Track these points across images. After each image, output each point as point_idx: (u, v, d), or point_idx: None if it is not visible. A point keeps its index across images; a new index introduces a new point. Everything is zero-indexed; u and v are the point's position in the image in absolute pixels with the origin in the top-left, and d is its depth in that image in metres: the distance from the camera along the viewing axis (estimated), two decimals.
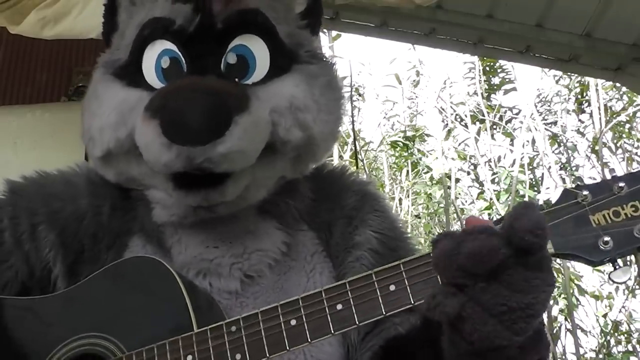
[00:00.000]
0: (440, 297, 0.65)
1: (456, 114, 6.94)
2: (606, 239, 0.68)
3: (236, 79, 0.91)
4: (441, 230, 6.84)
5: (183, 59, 0.90)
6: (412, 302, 0.71)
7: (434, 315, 0.66)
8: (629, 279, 0.67)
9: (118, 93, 0.90)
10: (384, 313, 0.72)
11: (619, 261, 0.70)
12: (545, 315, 5.21)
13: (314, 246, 0.97)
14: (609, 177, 0.72)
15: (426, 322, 0.81)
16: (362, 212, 0.99)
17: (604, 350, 5.70)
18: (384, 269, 0.74)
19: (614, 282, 0.75)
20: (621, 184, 0.70)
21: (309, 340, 0.72)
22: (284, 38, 0.95)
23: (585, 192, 0.71)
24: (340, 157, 6.27)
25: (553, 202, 0.74)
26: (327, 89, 0.96)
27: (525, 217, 0.62)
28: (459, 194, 7.07)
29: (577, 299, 5.66)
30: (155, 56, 0.91)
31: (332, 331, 0.72)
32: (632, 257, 0.74)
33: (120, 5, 0.99)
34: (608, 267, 0.72)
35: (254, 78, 0.92)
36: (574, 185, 0.73)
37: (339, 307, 0.73)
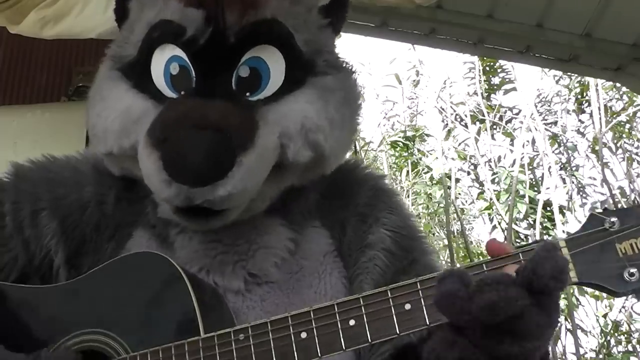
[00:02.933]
0: (440, 351, 0.64)
1: (456, 114, 6.94)
2: (632, 270, 0.65)
3: (247, 94, 0.87)
4: (441, 230, 6.85)
5: (192, 70, 0.86)
6: (428, 324, 0.68)
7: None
8: None
9: (123, 97, 0.87)
10: (398, 333, 0.69)
11: None
12: None
13: (326, 245, 0.94)
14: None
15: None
16: (375, 209, 0.95)
17: (604, 351, 5.70)
18: (400, 286, 0.71)
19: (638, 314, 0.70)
20: None
21: (319, 355, 0.70)
22: (302, 46, 0.89)
23: (613, 219, 0.67)
24: None
25: (578, 227, 0.71)
26: (343, 104, 0.91)
27: (548, 262, 0.60)
28: (459, 194, 7.07)
29: (577, 299, 5.66)
30: (164, 61, 0.87)
31: (344, 347, 0.70)
32: None
33: None
34: None
35: (266, 92, 0.87)
36: (601, 210, 0.70)
37: (352, 322, 0.70)
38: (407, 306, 0.69)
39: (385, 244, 0.93)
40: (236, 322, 0.83)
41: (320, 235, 0.94)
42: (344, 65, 0.96)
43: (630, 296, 0.69)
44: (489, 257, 0.71)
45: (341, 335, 0.70)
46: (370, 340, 0.69)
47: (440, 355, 0.64)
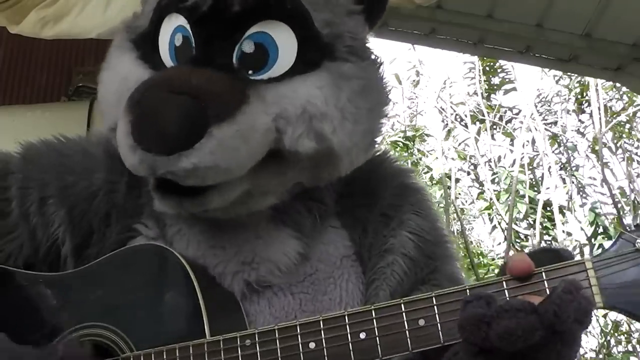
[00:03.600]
0: (463, 356, 0.62)
1: (456, 114, 6.94)
2: None
3: (250, 72, 0.79)
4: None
5: (193, 39, 0.79)
6: (442, 342, 0.65)
7: None
8: None
9: (125, 67, 0.82)
10: (410, 349, 0.66)
11: None
12: None
13: (344, 248, 0.88)
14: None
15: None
16: (400, 211, 0.89)
17: (604, 350, 5.70)
18: (414, 300, 0.68)
19: None
20: None
21: None
22: (320, 28, 0.80)
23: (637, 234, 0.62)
24: None
25: (607, 247, 0.66)
26: (360, 95, 0.81)
27: (572, 305, 0.58)
28: (459, 194, 7.08)
29: None
30: (170, 31, 0.81)
31: None
32: None
33: None
34: None
35: (271, 72, 0.79)
36: (632, 228, 0.64)
37: (362, 335, 0.67)
38: (421, 322, 0.66)
39: (406, 249, 0.87)
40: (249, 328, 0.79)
41: (339, 236, 0.89)
42: (371, 56, 0.86)
43: None
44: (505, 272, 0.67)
45: (351, 349, 0.67)
46: (381, 356, 0.66)
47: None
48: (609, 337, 5.75)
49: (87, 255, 0.85)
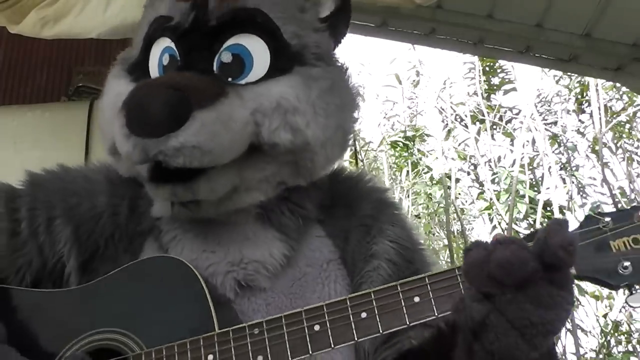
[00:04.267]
0: (468, 301, 0.67)
1: (456, 114, 6.94)
2: (626, 264, 0.71)
3: (229, 79, 0.89)
4: (441, 230, 6.85)
5: (178, 54, 0.91)
6: (436, 314, 0.72)
7: (461, 318, 0.68)
8: None
9: (119, 88, 0.91)
10: (408, 323, 0.73)
11: (637, 286, 0.73)
12: None
13: (330, 253, 0.96)
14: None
15: (440, 335, 0.81)
16: (379, 221, 0.98)
17: (604, 351, 5.70)
18: (408, 281, 0.75)
19: (630, 306, 0.74)
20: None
21: (332, 345, 0.73)
22: (289, 39, 0.92)
23: (607, 219, 0.73)
24: None
25: (575, 227, 0.75)
26: (328, 93, 0.92)
27: (559, 233, 0.64)
28: (459, 194, 7.08)
29: (577, 299, 5.66)
30: (158, 54, 0.93)
31: (356, 338, 0.73)
32: None
33: (147, 5, 1.02)
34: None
35: (249, 78, 0.89)
36: (596, 212, 0.75)
37: (363, 315, 0.74)
38: (416, 299, 0.73)
39: (389, 255, 0.95)
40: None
41: (324, 243, 0.96)
42: (337, 62, 0.99)
43: (624, 290, 0.74)
44: None
45: (353, 327, 0.73)
46: (381, 331, 0.73)
47: (470, 307, 0.66)
48: (609, 337, 5.75)
49: (91, 271, 0.92)
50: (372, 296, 0.75)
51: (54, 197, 0.95)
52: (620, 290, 0.74)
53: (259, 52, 0.90)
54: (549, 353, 0.69)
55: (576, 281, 0.74)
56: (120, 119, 0.80)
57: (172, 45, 0.91)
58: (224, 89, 0.84)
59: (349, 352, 0.92)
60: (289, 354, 0.74)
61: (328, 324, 0.74)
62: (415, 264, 0.96)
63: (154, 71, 0.93)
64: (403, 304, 0.73)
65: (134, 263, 0.88)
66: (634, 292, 0.73)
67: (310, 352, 0.73)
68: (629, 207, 0.76)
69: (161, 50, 0.92)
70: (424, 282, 0.74)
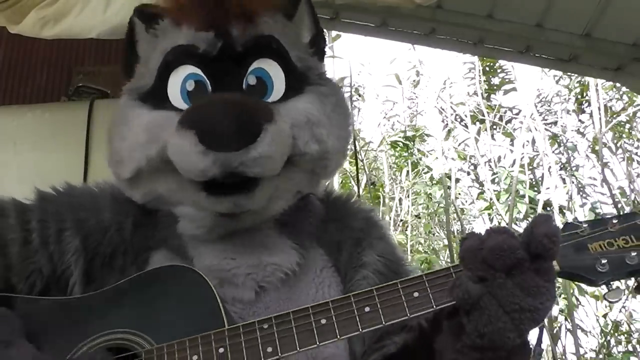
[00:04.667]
0: (465, 279, 0.74)
1: (456, 114, 6.94)
2: (603, 261, 0.80)
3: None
4: (441, 230, 6.85)
5: (207, 80, 0.98)
6: (434, 306, 0.78)
7: (457, 294, 0.74)
8: (621, 299, 0.85)
9: (146, 115, 0.97)
10: (408, 315, 0.79)
11: (613, 283, 0.81)
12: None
13: (323, 262, 1.03)
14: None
15: (422, 332, 0.88)
16: (369, 236, 1.06)
17: (604, 351, 5.70)
18: (408, 279, 0.81)
19: (609, 301, 0.84)
20: (615, 221, 0.83)
21: (338, 336, 0.79)
22: (295, 62, 1.04)
23: (584, 225, 0.83)
24: None
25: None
26: (337, 107, 1.05)
27: (544, 225, 0.73)
28: (459, 194, 7.07)
29: (577, 299, 5.66)
30: (180, 80, 0.98)
31: (360, 329, 0.79)
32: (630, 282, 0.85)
33: (139, 38, 1.07)
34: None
35: (272, 98, 1.00)
36: (573, 220, 0.85)
37: (367, 309, 0.79)
38: (416, 294, 0.79)
39: (376, 266, 1.03)
40: None
41: (318, 253, 1.04)
42: (332, 81, 1.11)
43: (601, 285, 0.82)
44: None
45: (358, 320, 0.79)
46: (384, 322, 0.78)
47: (466, 285, 0.73)
48: (609, 337, 5.75)
49: (95, 280, 0.96)
50: (375, 292, 0.81)
51: (63, 211, 1.00)
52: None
53: (276, 74, 1.00)
54: (523, 344, 0.76)
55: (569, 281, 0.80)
56: (190, 139, 0.86)
57: (198, 71, 0.98)
58: (269, 106, 0.95)
59: (344, 350, 0.98)
60: (297, 344, 0.78)
61: (334, 318, 0.79)
62: (400, 275, 1.02)
63: (175, 97, 0.98)
64: (404, 298, 0.79)
65: (144, 272, 0.93)
66: (610, 288, 0.81)
67: (318, 343, 0.78)
68: (604, 217, 0.86)
69: (183, 77, 0.99)
70: (422, 280, 0.80)
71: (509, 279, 0.72)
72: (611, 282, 0.81)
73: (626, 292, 5.72)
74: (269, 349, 0.78)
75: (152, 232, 1.00)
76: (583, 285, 5.55)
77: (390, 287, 0.81)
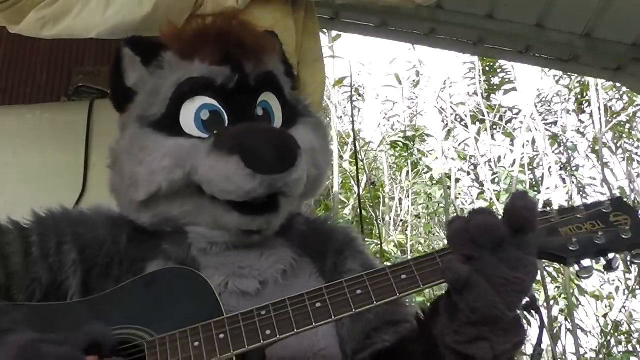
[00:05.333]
0: (455, 263, 0.80)
1: (456, 114, 6.94)
2: (574, 240, 0.88)
3: None
4: (441, 230, 6.85)
5: (224, 111, 1.06)
6: (421, 286, 0.84)
7: (449, 276, 0.80)
8: (592, 275, 0.92)
9: (166, 142, 1.03)
10: (398, 294, 0.84)
11: (583, 262, 0.89)
12: (545, 316, 5.21)
13: (310, 269, 1.10)
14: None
15: (412, 331, 0.93)
16: (349, 249, 1.16)
17: (604, 351, 5.70)
18: (395, 264, 0.87)
19: (582, 278, 0.92)
20: (582, 208, 0.92)
21: (333, 316, 0.84)
22: (287, 96, 1.16)
23: (553, 213, 0.92)
24: (340, 157, 6.27)
25: None
26: (324, 137, 1.19)
27: (522, 199, 0.81)
28: (459, 194, 7.08)
29: (577, 299, 5.66)
30: (194, 110, 1.05)
31: (354, 309, 0.84)
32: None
33: (128, 68, 1.12)
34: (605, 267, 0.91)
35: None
36: (542, 208, 0.93)
37: (359, 292, 0.85)
38: (403, 276, 0.85)
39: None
40: None
41: (304, 262, 1.11)
42: (316, 113, 1.25)
43: (573, 265, 0.89)
44: None
45: (350, 301, 0.84)
46: (375, 302, 0.84)
47: (457, 267, 0.79)
48: (609, 337, 5.75)
49: (94, 290, 0.99)
50: (365, 277, 0.86)
51: (62, 226, 1.04)
52: (621, 292, 0.85)
53: (276, 107, 1.12)
54: (515, 321, 0.82)
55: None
56: (235, 163, 0.95)
57: (214, 102, 1.06)
58: None
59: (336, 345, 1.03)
60: (294, 326, 0.83)
61: (328, 301, 0.85)
62: None
63: (189, 125, 1.05)
64: (392, 280, 0.85)
65: (143, 275, 0.97)
66: (581, 266, 0.89)
67: (314, 323, 0.83)
68: (571, 205, 0.96)
69: (198, 107, 1.05)
70: (409, 264, 0.87)
71: (494, 255, 0.78)
72: (581, 261, 0.89)
73: (626, 292, 5.72)
74: (268, 332, 0.83)
75: (148, 244, 1.06)
76: (583, 286, 5.56)
77: (380, 272, 0.87)
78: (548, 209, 0.92)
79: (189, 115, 1.05)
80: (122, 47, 1.13)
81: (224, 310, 0.88)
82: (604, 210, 0.91)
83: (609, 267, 0.89)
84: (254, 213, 1.01)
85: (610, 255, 0.89)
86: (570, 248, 0.87)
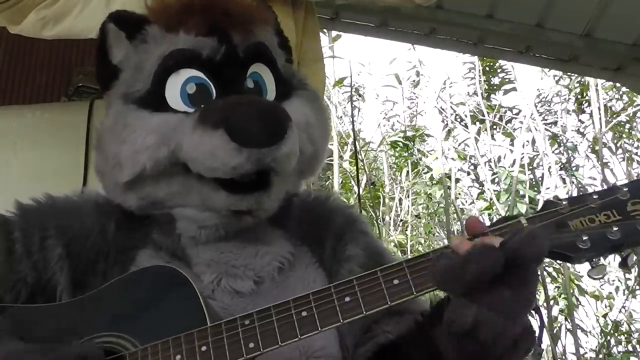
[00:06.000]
0: (457, 310, 0.72)
1: (456, 114, 6.94)
2: (584, 237, 0.78)
3: None
4: (441, 230, 6.86)
5: (211, 84, 1.00)
6: (414, 293, 0.78)
7: (455, 329, 0.73)
8: (605, 275, 0.90)
9: (150, 118, 0.97)
10: (389, 303, 0.78)
11: (595, 260, 0.79)
12: (545, 316, 5.21)
13: (307, 259, 1.06)
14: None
15: (418, 323, 0.87)
16: (350, 231, 1.09)
17: (604, 351, 5.70)
18: (387, 266, 0.81)
19: (593, 278, 0.83)
20: (595, 197, 0.80)
21: (319, 328, 0.78)
22: (280, 68, 1.09)
23: (564, 203, 0.81)
24: (341, 157, 6.27)
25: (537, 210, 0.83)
26: (320, 110, 1.11)
27: (532, 246, 0.70)
28: (459, 194, 7.08)
29: (577, 299, 5.66)
30: (180, 83, 0.99)
31: (341, 320, 0.78)
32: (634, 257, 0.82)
33: (113, 44, 1.07)
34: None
35: None
36: (554, 196, 0.83)
37: (347, 299, 0.79)
38: (396, 281, 0.79)
39: (360, 261, 1.05)
40: None
41: (302, 251, 1.06)
42: (311, 87, 1.16)
43: (584, 263, 0.81)
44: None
45: (338, 310, 0.79)
46: (364, 312, 0.78)
47: (460, 315, 0.72)
48: (609, 337, 5.75)
49: (82, 287, 0.96)
50: (355, 282, 0.80)
51: (45, 220, 1.00)
52: (621, 292, 0.79)
53: (268, 79, 1.05)
54: (527, 327, 0.75)
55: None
56: (220, 136, 0.89)
57: (201, 75, 1.00)
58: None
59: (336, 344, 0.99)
60: (278, 338, 0.78)
61: (314, 309, 0.79)
62: (383, 263, 1.05)
63: (174, 100, 0.99)
64: (383, 286, 0.79)
65: (127, 274, 0.93)
66: (593, 265, 0.79)
67: (299, 336, 0.78)
68: (585, 193, 0.84)
69: (183, 80, 1.00)
70: (402, 266, 0.80)
71: (495, 282, 0.71)
72: (594, 259, 0.79)
73: (626, 292, 5.72)
74: (251, 345, 0.79)
75: (137, 233, 1.01)
76: (583, 286, 5.56)
77: (370, 276, 0.81)
78: (558, 198, 0.82)
79: (174, 89, 0.99)
80: (106, 23, 1.08)
81: (207, 313, 0.83)
82: (621, 197, 0.80)
83: (624, 264, 0.80)
84: (243, 192, 0.95)
85: (626, 252, 0.79)
86: (580, 246, 0.78)
